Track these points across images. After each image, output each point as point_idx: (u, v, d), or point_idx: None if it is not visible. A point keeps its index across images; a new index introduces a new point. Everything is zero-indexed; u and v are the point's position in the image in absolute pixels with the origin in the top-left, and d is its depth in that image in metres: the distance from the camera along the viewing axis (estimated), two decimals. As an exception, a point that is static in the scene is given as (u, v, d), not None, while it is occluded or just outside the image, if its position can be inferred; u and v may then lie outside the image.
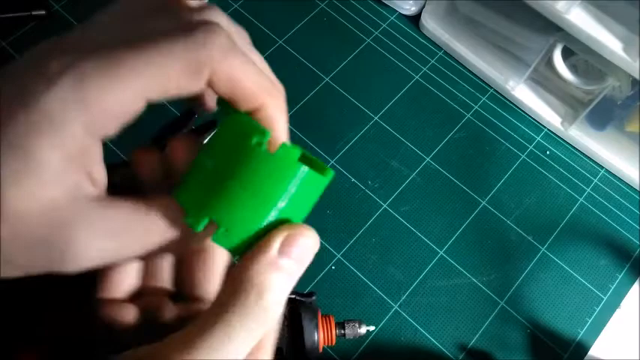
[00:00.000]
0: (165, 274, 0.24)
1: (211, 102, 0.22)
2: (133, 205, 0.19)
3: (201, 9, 0.20)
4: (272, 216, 0.19)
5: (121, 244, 0.19)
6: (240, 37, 0.20)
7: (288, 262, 0.19)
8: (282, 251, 0.19)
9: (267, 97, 0.19)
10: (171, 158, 0.21)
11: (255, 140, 0.18)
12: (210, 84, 0.18)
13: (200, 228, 0.19)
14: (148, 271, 0.24)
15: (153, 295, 0.23)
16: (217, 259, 0.23)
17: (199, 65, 0.17)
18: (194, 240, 0.21)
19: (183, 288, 0.24)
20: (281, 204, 0.19)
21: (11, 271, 0.17)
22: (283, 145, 0.19)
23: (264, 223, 0.19)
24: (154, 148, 0.22)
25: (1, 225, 0.16)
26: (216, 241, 0.19)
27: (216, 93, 0.19)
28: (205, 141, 0.21)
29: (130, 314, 0.22)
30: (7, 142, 0.15)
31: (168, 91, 0.18)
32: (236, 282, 0.18)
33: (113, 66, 0.16)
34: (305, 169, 0.19)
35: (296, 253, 0.19)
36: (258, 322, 0.18)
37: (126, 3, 0.19)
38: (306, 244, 0.19)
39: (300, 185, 0.19)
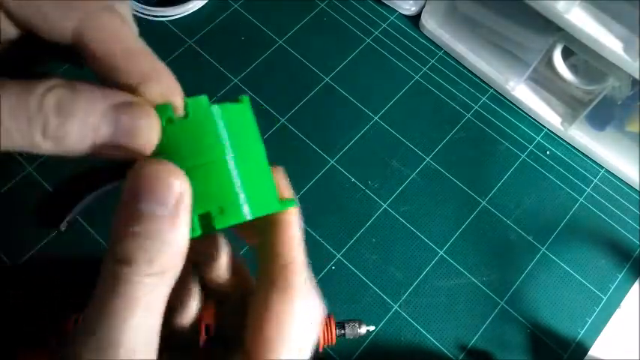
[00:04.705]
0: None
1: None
2: None
3: None
4: (232, 167, 0.18)
5: None
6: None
7: None
8: None
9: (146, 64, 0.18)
10: None
11: (164, 119, 0.17)
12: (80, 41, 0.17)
13: (197, 231, 0.18)
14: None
15: None
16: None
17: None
18: None
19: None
20: (229, 154, 0.18)
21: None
22: (187, 101, 0.18)
23: (233, 179, 0.18)
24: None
25: None
26: (220, 225, 0.18)
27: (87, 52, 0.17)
28: None
29: None
30: None
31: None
32: None
33: None
34: (217, 108, 0.18)
35: None
36: None
37: None
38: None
39: (227, 125, 0.18)
